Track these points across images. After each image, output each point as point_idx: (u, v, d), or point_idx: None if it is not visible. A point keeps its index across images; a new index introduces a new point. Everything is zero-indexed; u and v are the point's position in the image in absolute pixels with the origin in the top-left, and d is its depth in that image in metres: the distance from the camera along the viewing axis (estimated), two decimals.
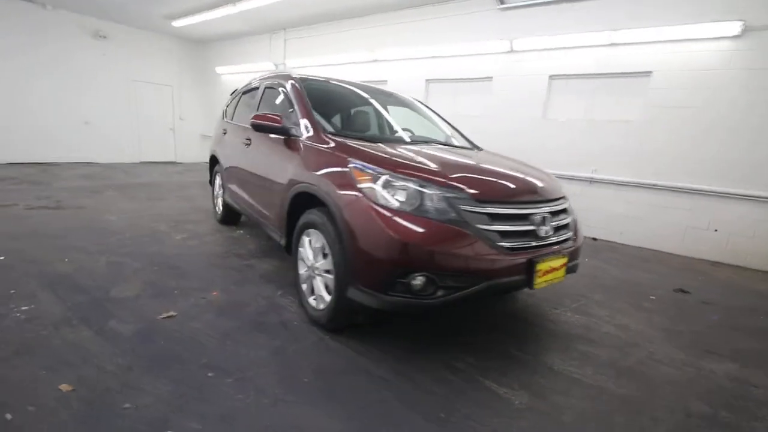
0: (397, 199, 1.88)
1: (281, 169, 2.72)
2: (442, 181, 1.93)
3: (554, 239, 2.15)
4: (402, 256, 1.79)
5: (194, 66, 11.35)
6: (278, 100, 3.24)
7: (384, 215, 1.84)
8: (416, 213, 1.84)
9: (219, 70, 10.81)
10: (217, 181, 4.57)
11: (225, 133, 4.23)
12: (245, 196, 3.51)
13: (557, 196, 2.32)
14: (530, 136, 5.91)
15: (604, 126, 5.32)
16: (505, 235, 1.95)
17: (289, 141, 2.73)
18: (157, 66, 10.55)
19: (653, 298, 3.37)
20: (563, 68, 5.55)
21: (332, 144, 2.36)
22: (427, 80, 6.97)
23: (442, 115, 3.87)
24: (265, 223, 3.07)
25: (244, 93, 4.20)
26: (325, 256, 2.23)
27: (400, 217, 1.83)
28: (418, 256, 1.78)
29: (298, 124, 2.71)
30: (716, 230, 4.70)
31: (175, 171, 9.41)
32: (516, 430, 1.65)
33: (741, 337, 2.75)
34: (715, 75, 4.52)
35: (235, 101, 4.43)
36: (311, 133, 2.56)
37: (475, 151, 3.09)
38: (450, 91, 6.79)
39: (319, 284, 2.30)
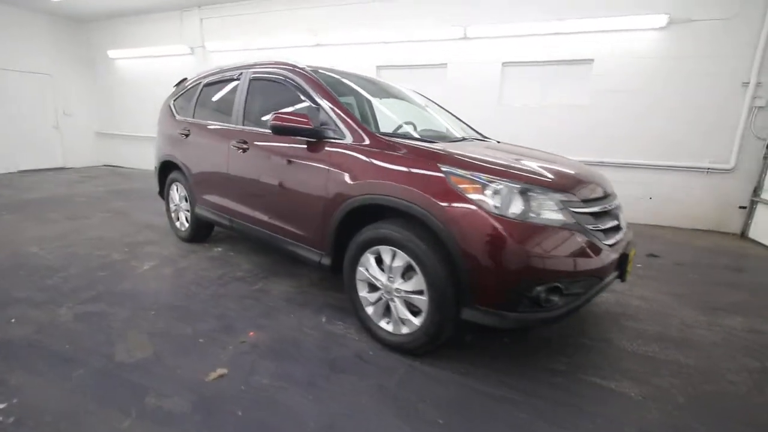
0: (514, 209, 1.73)
1: (315, 178, 2.34)
2: (553, 185, 1.84)
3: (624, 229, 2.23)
4: (532, 269, 1.66)
5: (79, 50, 9.30)
6: (281, 96, 2.77)
7: (507, 227, 1.68)
8: (537, 221, 1.72)
9: (112, 54, 9.03)
10: (177, 192, 3.82)
11: (188, 135, 3.52)
12: (242, 208, 2.98)
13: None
14: (487, 122, 6.09)
15: (555, 110, 5.74)
16: (604, 232, 1.95)
17: (320, 145, 2.35)
18: (29, 51, 8.39)
19: (639, 266, 3.78)
20: (516, 56, 5.81)
21: (402, 149, 2.08)
22: (377, 66, 6.72)
23: (442, 106, 3.75)
24: (285, 240, 2.64)
25: (209, 85, 3.53)
26: (405, 275, 2.00)
27: (522, 228, 1.69)
28: (548, 267, 1.67)
29: (330, 126, 2.35)
30: (651, 198, 5.47)
31: (74, 180, 7.70)
32: (657, 425, 1.69)
33: (724, 291, 3.23)
34: (648, 62, 5.16)
35: (191, 95, 3.70)
36: (361, 135, 2.23)
37: (509, 145, 3.02)
38: (403, 78, 6.64)
39: (400, 307, 2.05)
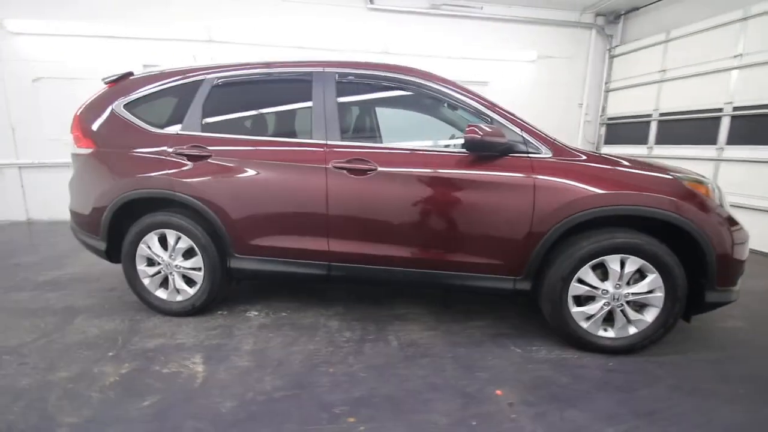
0: (725, 204, 2.13)
1: (513, 197, 2.11)
2: None
3: None
4: (744, 251, 2.12)
5: None
6: (401, 106, 2.32)
7: (730, 220, 2.07)
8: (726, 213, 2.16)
9: None
10: (168, 243, 2.50)
11: (205, 157, 2.37)
12: (359, 248, 2.28)
13: None
14: None
15: None
16: None
17: (506, 161, 2.14)
18: None
19: None
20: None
21: (585, 157, 2.16)
22: None
23: None
24: (451, 275, 2.25)
25: (228, 85, 2.49)
26: (635, 281, 2.12)
27: (731, 219, 2.11)
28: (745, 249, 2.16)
29: (517, 140, 2.17)
30: None
31: None
32: None
33: None
34: (527, 84, 6.63)
35: (183, 98, 2.50)
36: (560, 148, 2.16)
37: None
38: None
39: (628, 310, 2.13)
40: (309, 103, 2.40)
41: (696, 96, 5.14)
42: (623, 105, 6.58)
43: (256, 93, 2.55)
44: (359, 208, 2.27)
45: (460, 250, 2.23)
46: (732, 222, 2.10)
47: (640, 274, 2.12)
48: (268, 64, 2.50)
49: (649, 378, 2.01)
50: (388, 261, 2.31)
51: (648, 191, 2.04)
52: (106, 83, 2.70)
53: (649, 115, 5.95)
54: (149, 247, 2.53)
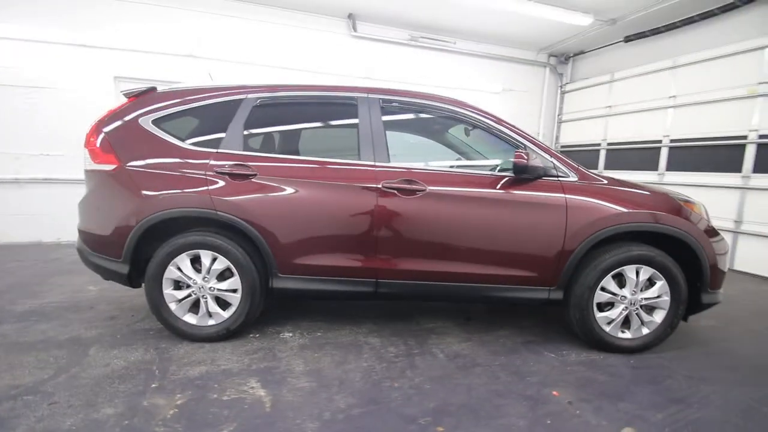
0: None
1: (548, 216, 2.37)
2: None
3: None
4: None
5: None
6: (440, 131, 2.50)
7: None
8: None
9: None
10: (211, 265, 2.39)
11: (249, 176, 2.34)
12: (405, 264, 2.38)
13: None
14: None
15: None
16: None
17: (539, 184, 2.41)
18: None
19: None
20: None
21: (606, 181, 2.50)
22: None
23: None
24: (491, 287, 2.43)
25: (269, 106, 2.51)
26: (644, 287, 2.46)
27: None
28: None
29: (548, 165, 2.44)
30: None
31: None
32: None
33: None
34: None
35: (224, 116, 2.47)
36: (583, 173, 2.47)
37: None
38: None
39: (640, 315, 2.47)
40: (351, 125, 2.51)
41: (639, 129, 6.01)
42: (575, 135, 7.42)
43: (298, 114, 2.59)
44: (408, 227, 2.39)
45: (501, 264, 2.43)
46: (715, 233, 2.54)
47: (650, 282, 2.47)
48: (310, 87, 2.56)
49: (666, 371, 2.33)
50: (435, 277, 2.43)
51: (662, 211, 2.42)
52: (128, 97, 2.56)
53: (599, 144, 6.78)
54: (179, 269, 2.40)
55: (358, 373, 2.18)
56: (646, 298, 2.45)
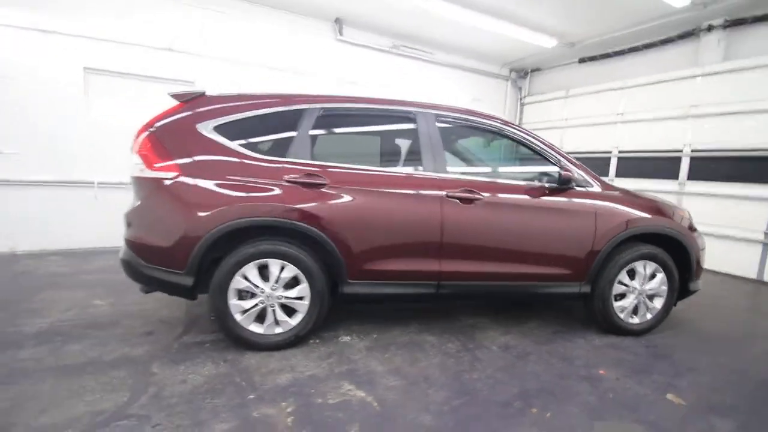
0: None
1: (580, 220, 2.75)
2: None
3: None
4: None
5: None
6: (485, 144, 2.76)
7: None
8: None
9: None
10: (280, 273, 2.38)
11: (320, 185, 2.39)
12: (463, 266, 2.60)
13: None
14: None
15: None
16: None
17: (571, 192, 2.78)
18: None
19: None
20: None
21: (619, 190, 2.96)
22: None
23: None
24: (535, 285, 2.77)
25: (334, 116, 2.58)
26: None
27: None
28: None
29: (576, 176, 2.82)
30: None
31: None
32: None
33: None
34: None
35: (289, 126, 2.49)
36: (603, 183, 2.89)
37: None
38: None
39: (647, 301, 2.97)
40: (410, 137, 2.68)
41: (592, 141, 6.87)
42: None
43: (359, 125, 2.67)
44: (468, 232, 2.62)
45: (544, 263, 2.77)
46: (695, 231, 3.13)
47: (653, 275, 2.98)
48: (371, 100, 2.66)
49: (671, 348, 2.84)
50: (488, 277, 2.69)
51: (667, 216, 2.94)
52: (181, 101, 2.44)
53: None
54: (246, 279, 2.37)
55: (436, 369, 2.36)
56: (650, 289, 2.96)
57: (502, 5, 5.25)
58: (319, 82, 6.13)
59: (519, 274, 2.74)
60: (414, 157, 2.64)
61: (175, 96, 2.48)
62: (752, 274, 4.96)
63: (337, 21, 6.03)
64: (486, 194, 2.63)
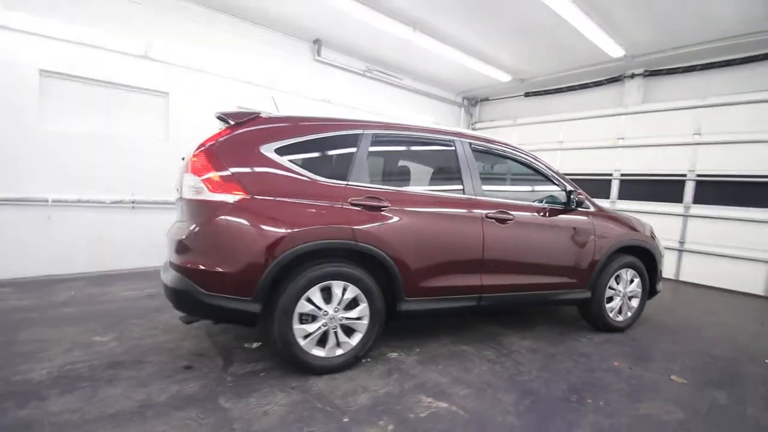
0: None
1: (584, 236, 3.22)
2: None
3: None
4: None
5: None
6: (508, 170, 3.13)
7: None
8: None
9: None
10: (343, 295, 2.40)
11: (380, 208, 2.49)
12: (500, 280, 2.88)
13: None
14: None
15: None
16: None
17: (574, 212, 3.26)
18: None
19: None
20: None
21: (608, 212, 3.54)
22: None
23: None
24: (553, 293, 3.15)
25: (384, 143, 2.71)
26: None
27: None
28: None
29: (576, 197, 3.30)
30: None
31: None
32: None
33: None
34: None
35: (342, 149, 2.56)
36: (596, 205, 3.42)
37: None
38: None
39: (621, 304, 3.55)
40: (449, 160, 2.92)
41: None
42: None
43: (406, 150, 2.83)
44: (503, 248, 2.92)
45: (559, 273, 3.18)
46: (654, 237, 3.84)
47: (631, 280, 3.59)
48: (416, 128, 2.85)
49: (652, 339, 3.42)
50: (519, 288, 3.01)
51: (644, 231, 3.58)
52: (228, 121, 2.38)
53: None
54: (310, 301, 2.36)
55: (490, 376, 2.58)
56: (630, 291, 3.55)
57: (472, 43, 5.85)
58: (295, 99, 6.10)
59: (542, 284, 3.11)
60: (455, 179, 2.88)
61: (226, 114, 2.41)
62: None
63: (317, 42, 6.11)
64: (516, 213, 2.98)
